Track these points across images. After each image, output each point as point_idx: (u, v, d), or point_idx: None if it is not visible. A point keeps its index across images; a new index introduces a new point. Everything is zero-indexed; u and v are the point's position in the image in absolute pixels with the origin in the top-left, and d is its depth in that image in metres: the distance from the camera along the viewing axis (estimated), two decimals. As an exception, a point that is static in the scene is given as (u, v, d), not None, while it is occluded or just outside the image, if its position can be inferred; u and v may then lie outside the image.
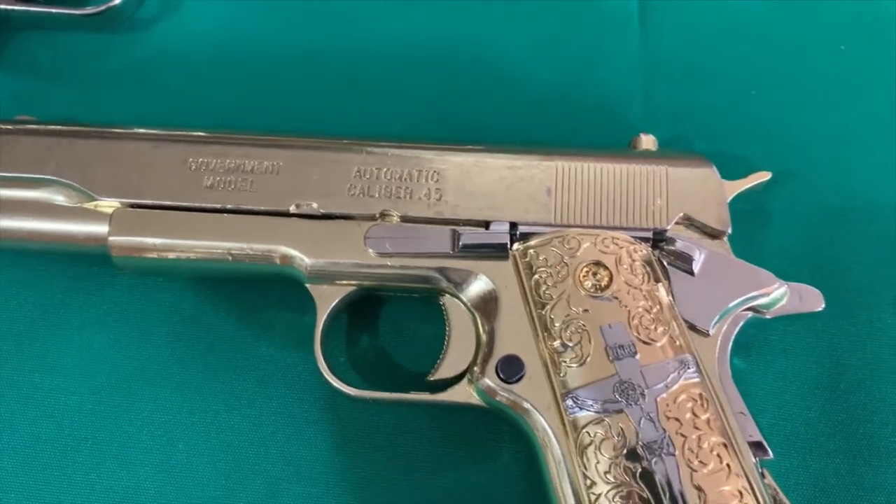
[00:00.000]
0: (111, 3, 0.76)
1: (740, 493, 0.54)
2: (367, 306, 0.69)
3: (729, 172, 0.67)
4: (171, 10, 0.80)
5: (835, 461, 0.65)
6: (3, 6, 0.76)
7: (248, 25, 0.79)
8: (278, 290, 0.68)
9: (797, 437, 0.66)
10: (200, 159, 0.65)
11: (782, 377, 0.67)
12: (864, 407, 0.67)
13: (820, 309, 0.63)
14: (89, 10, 0.77)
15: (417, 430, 0.66)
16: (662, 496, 0.54)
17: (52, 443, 0.66)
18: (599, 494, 0.54)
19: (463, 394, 0.62)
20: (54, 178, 0.65)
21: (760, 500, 0.54)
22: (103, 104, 0.77)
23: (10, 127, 0.67)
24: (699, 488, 0.54)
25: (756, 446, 0.58)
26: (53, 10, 0.77)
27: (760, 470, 0.57)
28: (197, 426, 0.66)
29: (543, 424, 0.58)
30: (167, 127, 0.67)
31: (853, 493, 0.64)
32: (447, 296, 0.64)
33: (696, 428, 0.56)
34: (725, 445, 0.55)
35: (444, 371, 0.63)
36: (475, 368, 0.61)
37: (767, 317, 0.62)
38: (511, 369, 0.59)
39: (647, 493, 0.54)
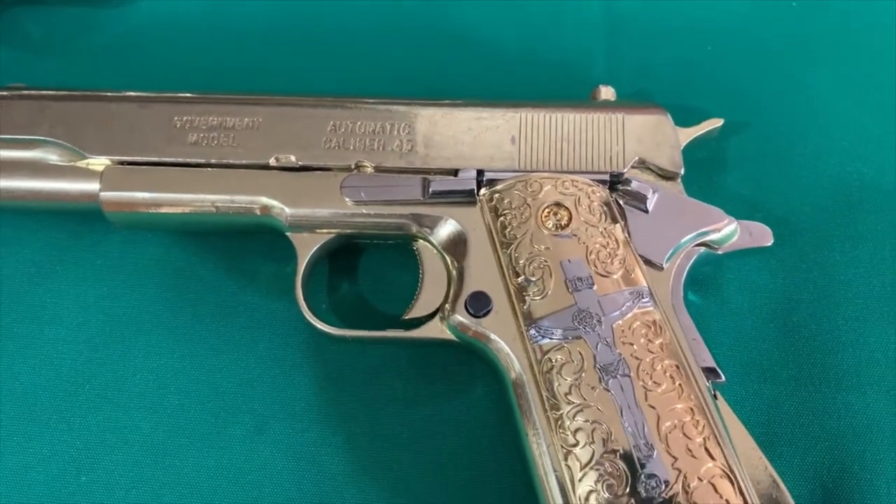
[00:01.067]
0: (101, -24, 0.81)
1: (692, 410, 0.58)
2: (346, 256, 0.73)
3: (686, 123, 0.71)
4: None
5: (788, 388, 0.69)
6: (-5, -18, 0.81)
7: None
8: (262, 242, 0.72)
9: (752, 366, 0.70)
10: (185, 117, 0.69)
11: (738, 312, 0.71)
12: (815, 338, 0.71)
13: (769, 244, 0.67)
14: (78, -17, 0.81)
15: (396, 368, 0.70)
16: (619, 414, 0.58)
17: (52, 388, 0.70)
18: (562, 414, 0.59)
19: (435, 330, 0.66)
20: (47, 138, 0.68)
21: (710, 417, 0.58)
22: (93, 74, 0.80)
23: (4, 93, 0.71)
24: (653, 406, 0.58)
25: (709, 371, 0.62)
26: (44, -15, 0.81)
27: (713, 392, 0.61)
28: (187, 370, 0.70)
29: (509, 354, 0.62)
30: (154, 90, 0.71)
31: (805, 416, 0.68)
32: (420, 241, 0.68)
33: (650, 352, 0.60)
34: (678, 367, 0.60)
35: (418, 310, 0.67)
36: (446, 306, 0.66)
37: (719, 252, 0.66)
38: (479, 304, 0.64)
39: (605, 412, 0.58)
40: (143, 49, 0.82)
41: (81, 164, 0.69)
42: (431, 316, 0.67)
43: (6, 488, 0.67)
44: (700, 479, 0.56)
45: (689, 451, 0.57)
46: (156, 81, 0.78)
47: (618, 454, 0.57)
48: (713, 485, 0.56)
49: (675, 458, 0.56)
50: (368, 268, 0.73)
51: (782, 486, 0.59)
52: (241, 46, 0.81)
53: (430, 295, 0.67)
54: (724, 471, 0.57)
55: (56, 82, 0.74)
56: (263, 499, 0.66)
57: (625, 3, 0.82)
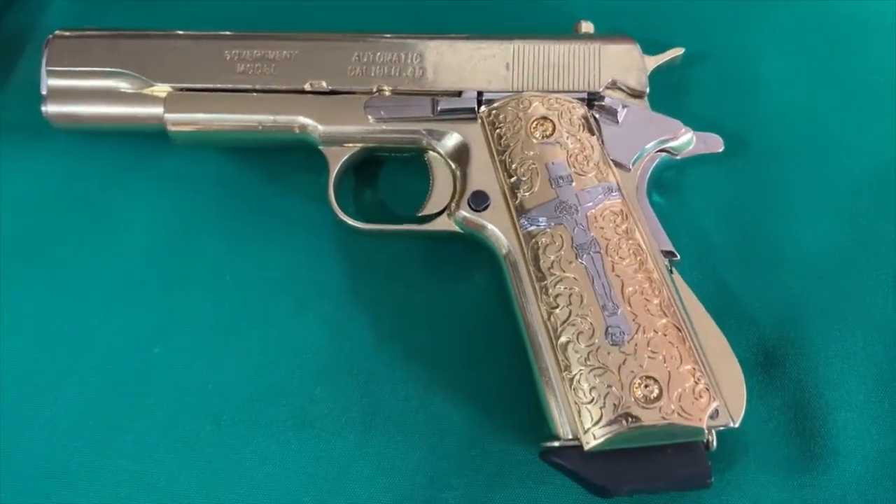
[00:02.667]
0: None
1: (650, 279, 0.72)
2: (368, 167, 0.86)
3: (654, 52, 0.84)
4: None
5: (736, 272, 0.82)
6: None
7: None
8: (299, 156, 0.84)
9: (707, 254, 0.83)
10: (234, 51, 0.81)
11: (695, 210, 0.84)
12: (760, 232, 0.84)
13: (720, 150, 0.81)
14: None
15: (412, 257, 0.83)
16: (591, 283, 0.71)
17: (127, 281, 0.83)
18: (546, 284, 0.72)
19: (444, 223, 0.79)
20: (120, 69, 0.81)
21: (665, 285, 0.72)
22: (153, 21, 0.90)
23: (81, 33, 0.84)
24: (618, 276, 0.71)
25: (667, 253, 0.75)
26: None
27: (669, 267, 0.75)
28: (239, 261, 0.83)
29: (504, 241, 0.75)
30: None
31: (750, 294, 0.81)
32: (430, 152, 0.81)
33: (617, 234, 0.73)
34: (639, 246, 0.73)
35: (430, 208, 0.80)
36: (452, 204, 0.79)
37: (677, 158, 0.79)
38: (479, 201, 0.77)
39: (580, 280, 0.71)
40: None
41: (148, 91, 0.81)
42: (440, 213, 0.80)
43: (98, 355, 0.80)
44: (655, 331, 0.70)
45: (647, 310, 0.71)
46: (202, 19, 0.90)
47: (589, 311, 0.70)
48: (666, 335, 0.70)
49: (636, 315, 0.70)
50: (388, 176, 0.86)
51: (728, 347, 0.72)
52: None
53: (439, 196, 0.81)
54: (675, 325, 0.70)
55: (120, 25, 0.86)
56: (305, 364, 0.80)
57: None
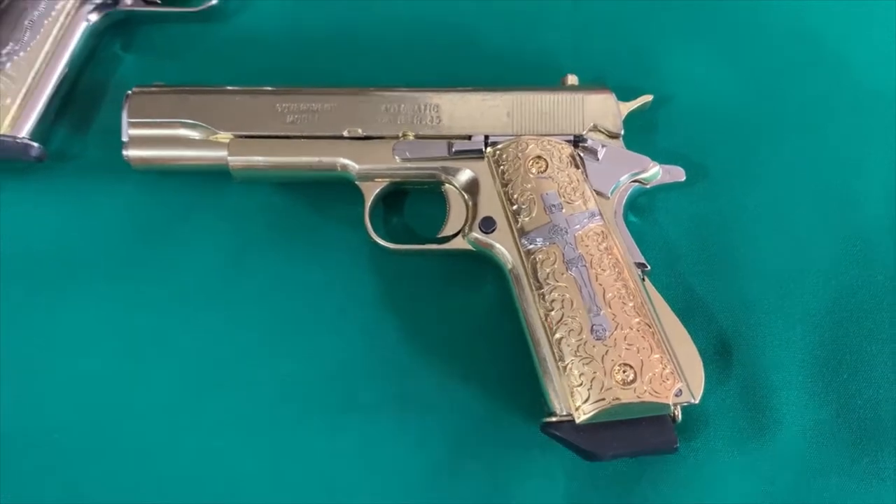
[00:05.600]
0: (210, 3, 1.09)
1: (626, 286, 0.89)
2: (396, 199, 1.01)
3: (627, 98, 1.00)
4: (251, 6, 1.13)
5: (699, 278, 0.97)
6: (132, 7, 1.08)
7: (303, 15, 1.12)
8: (338, 190, 0.98)
9: (675, 263, 0.97)
10: (284, 104, 0.96)
11: (665, 228, 0.99)
12: (719, 245, 0.99)
13: (683, 180, 0.96)
14: (194, 8, 1.09)
15: (433, 272, 0.97)
16: (579, 290, 0.88)
17: (196, 294, 0.95)
18: (543, 292, 0.89)
19: (459, 243, 0.94)
20: (188, 120, 0.96)
21: (638, 291, 0.89)
22: (207, 76, 1.06)
23: (152, 89, 0.99)
24: (601, 284, 0.88)
25: (639, 264, 0.92)
26: (168, 9, 1.09)
27: (642, 276, 0.91)
28: (289, 276, 0.97)
29: (509, 257, 0.92)
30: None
31: (711, 296, 0.96)
32: (446, 185, 0.97)
33: (599, 250, 0.90)
34: (618, 259, 0.90)
35: (447, 231, 0.96)
36: (466, 227, 0.95)
37: (648, 186, 0.96)
38: (487, 225, 0.93)
39: (570, 288, 0.88)
40: (243, 56, 1.10)
41: (213, 138, 0.96)
42: (456, 235, 0.95)
43: (176, 356, 0.95)
44: (630, 328, 0.87)
45: (624, 311, 0.87)
46: (253, 78, 1.04)
47: (577, 313, 0.87)
48: (639, 331, 0.87)
49: (615, 315, 0.87)
50: (412, 205, 1.01)
51: (690, 340, 0.89)
52: (311, 53, 1.10)
53: (454, 221, 0.96)
54: (647, 323, 0.87)
55: (180, 81, 1.01)
56: (347, 358, 0.94)
57: (592, 8, 1.11)
